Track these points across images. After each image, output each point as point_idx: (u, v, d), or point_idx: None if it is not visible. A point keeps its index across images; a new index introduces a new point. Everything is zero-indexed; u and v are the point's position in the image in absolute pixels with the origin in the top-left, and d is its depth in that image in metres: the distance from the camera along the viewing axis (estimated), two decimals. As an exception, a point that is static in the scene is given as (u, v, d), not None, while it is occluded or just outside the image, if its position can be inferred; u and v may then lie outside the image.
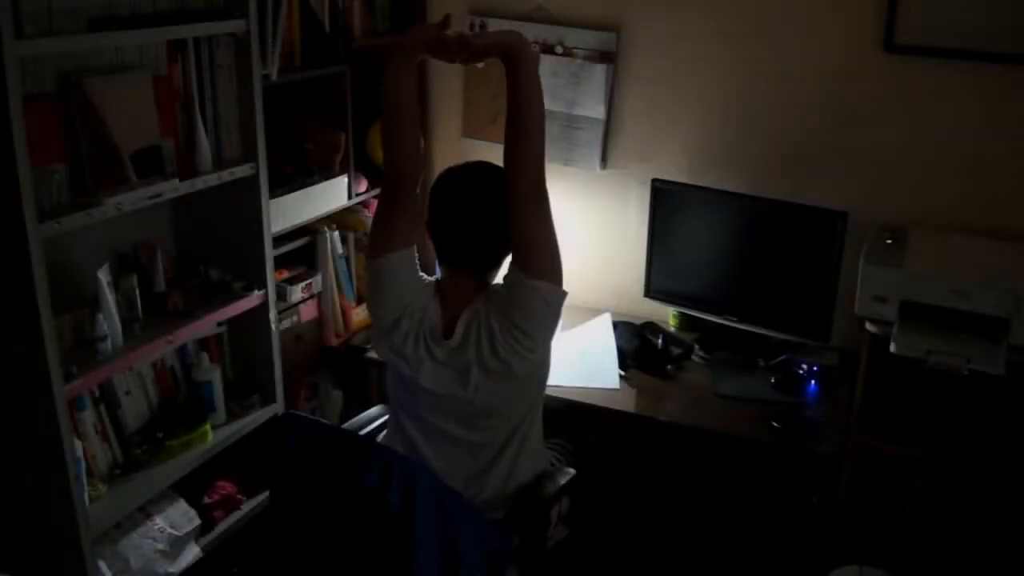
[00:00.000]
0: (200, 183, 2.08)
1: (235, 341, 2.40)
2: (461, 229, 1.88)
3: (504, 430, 1.92)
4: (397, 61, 1.88)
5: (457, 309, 1.87)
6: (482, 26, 2.83)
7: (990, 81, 2.34)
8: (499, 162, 1.91)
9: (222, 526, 2.29)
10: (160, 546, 2.09)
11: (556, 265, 1.83)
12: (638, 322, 2.72)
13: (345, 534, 1.80)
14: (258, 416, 2.36)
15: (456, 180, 1.91)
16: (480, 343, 1.83)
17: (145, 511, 2.11)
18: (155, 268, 2.16)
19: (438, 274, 1.97)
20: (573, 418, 2.36)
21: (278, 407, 2.41)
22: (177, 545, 2.13)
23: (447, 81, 2.96)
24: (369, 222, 2.72)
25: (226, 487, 2.33)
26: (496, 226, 1.85)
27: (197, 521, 2.19)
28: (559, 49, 2.75)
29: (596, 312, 2.79)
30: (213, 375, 2.27)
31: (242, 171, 2.19)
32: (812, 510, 2.39)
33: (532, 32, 2.77)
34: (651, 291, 2.72)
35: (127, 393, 2.13)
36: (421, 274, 1.93)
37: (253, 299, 2.29)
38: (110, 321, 1.96)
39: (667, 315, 2.79)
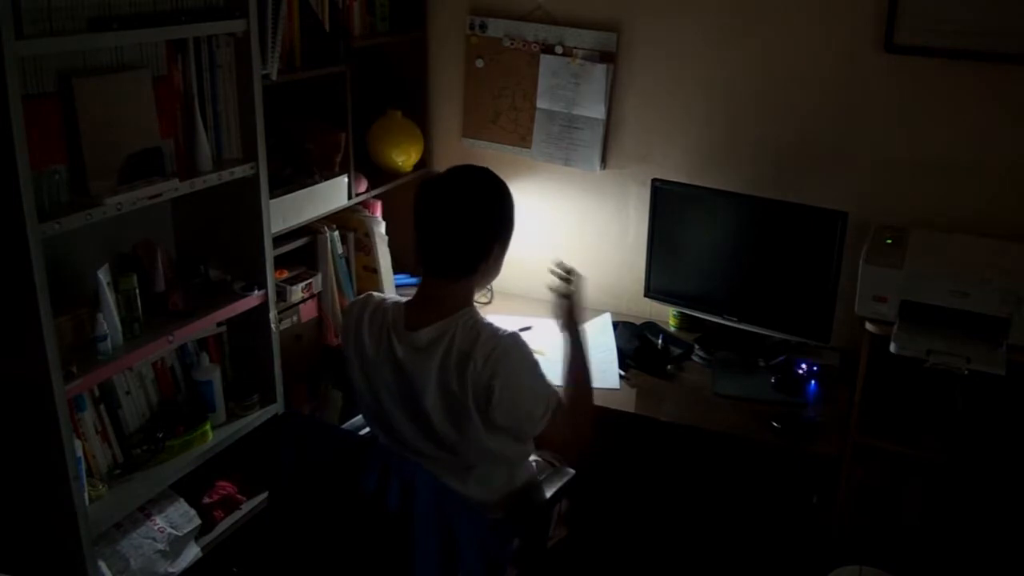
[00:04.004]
0: (200, 183, 2.07)
1: (235, 341, 2.40)
2: (438, 239, 1.81)
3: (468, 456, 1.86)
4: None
5: (429, 314, 1.79)
6: (482, 27, 2.84)
7: (990, 81, 2.34)
8: (501, 171, 1.89)
9: (222, 526, 2.28)
10: (160, 546, 2.09)
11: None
12: (638, 322, 2.72)
13: (344, 534, 1.80)
14: (258, 416, 2.36)
15: (438, 189, 1.84)
16: (447, 357, 1.75)
17: (145, 511, 2.11)
18: (155, 268, 2.15)
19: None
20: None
21: (278, 407, 2.41)
22: (177, 545, 2.13)
23: (447, 81, 2.96)
24: (369, 222, 2.74)
25: (226, 487, 2.33)
26: (472, 237, 1.80)
27: (197, 521, 2.19)
28: (559, 49, 2.75)
29: (596, 312, 2.79)
30: (213, 375, 2.27)
31: (242, 171, 2.19)
32: (812, 510, 2.39)
33: (532, 32, 2.78)
34: (651, 291, 2.72)
35: (127, 393, 2.13)
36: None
37: (253, 299, 2.29)
38: (110, 321, 1.96)
39: (667, 315, 2.80)
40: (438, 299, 1.81)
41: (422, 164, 2.97)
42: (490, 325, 1.79)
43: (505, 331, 1.77)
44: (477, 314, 1.82)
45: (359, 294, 2.75)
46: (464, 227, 1.80)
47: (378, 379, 1.84)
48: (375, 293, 1.94)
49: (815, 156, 2.56)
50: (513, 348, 1.75)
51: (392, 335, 1.81)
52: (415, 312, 1.82)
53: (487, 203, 1.83)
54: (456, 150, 2.99)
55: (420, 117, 2.95)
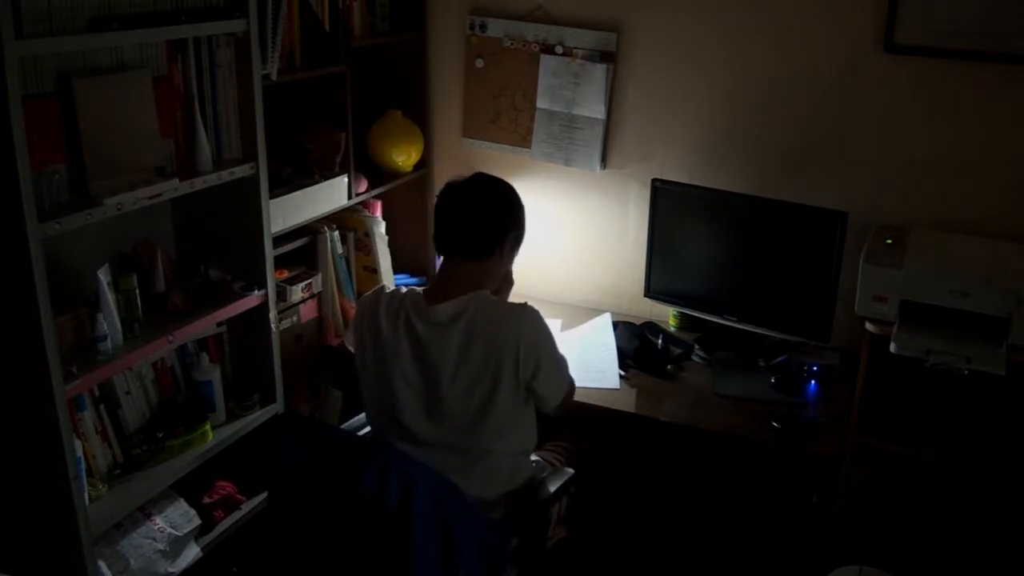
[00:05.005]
0: (200, 183, 2.07)
1: (235, 341, 2.40)
2: (459, 221, 1.96)
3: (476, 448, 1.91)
4: None
5: (446, 291, 1.91)
6: (482, 27, 2.84)
7: (990, 81, 2.34)
8: (501, 171, 1.96)
9: (222, 526, 2.28)
10: (160, 546, 2.09)
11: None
12: (638, 322, 2.72)
13: (344, 534, 1.80)
14: (258, 416, 2.36)
15: (463, 184, 2.01)
16: (469, 331, 1.85)
17: (145, 511, 2.11)
18: (155, 268, 2.16)
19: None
20: (573, 418, 2.36)
21: (278, 407, 2.41)
22: (177, 545, 2.13)
23: (447, 81, 2.96)
24: (369, 222, 2.74)
25: (226, 487, 2.33)
26: (490, 219, 1.96)
27: (197, 521, 2.19)
28: (559, 49, 2.75)
29: (596, 312, 2.79)
30: (213, 375, 2.27)
31: (242, 171, 2.19)
32: (812, 510, 2.39)
33: (532, 32, 2.78)
34: (651, 291, 2.72)
35: (127, 393, 2.13)
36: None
37: (253, 299, 2.29)
38: (110, 321, 1.96)
39: (667, 315, 2.80)
40: (454, 279, 1.93)
41: (422, 164, 2.98)
42: (506, 301, 2.00)
43: (523, 304, 1.92)
44: (489, 294, 1.94)
45: (359, 294, 2.77)
46: (483, 210, 1.97)
47: (393, 362, 1.90)
48: (387, 284, 1.99)
49: (815, 156, 2.56)
50: (538, 318, 1.92)
51: (411, 314, 1.90)
52: (432, 291, 1.94)
53: (505, 198, 2.02)
54: (456, 150, 2.99)
55: (420, 117, 2.95)
